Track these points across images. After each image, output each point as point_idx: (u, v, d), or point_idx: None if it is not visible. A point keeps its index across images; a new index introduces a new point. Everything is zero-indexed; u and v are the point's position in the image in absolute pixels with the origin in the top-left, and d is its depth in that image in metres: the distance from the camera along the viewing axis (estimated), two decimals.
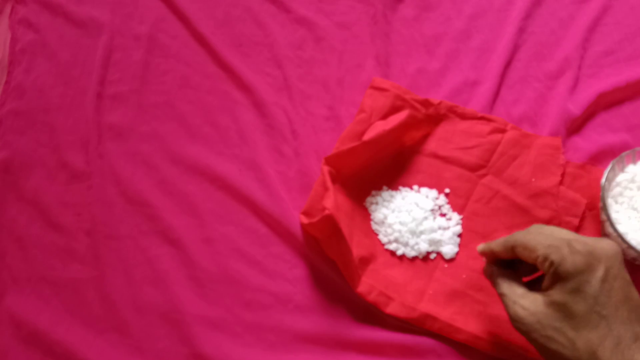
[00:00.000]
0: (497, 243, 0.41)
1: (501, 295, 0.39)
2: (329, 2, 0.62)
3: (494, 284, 0.40)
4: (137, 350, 0.47)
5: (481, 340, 0.45)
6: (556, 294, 0.35)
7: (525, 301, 0.37)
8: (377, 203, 0.51)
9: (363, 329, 0.47)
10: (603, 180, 0.47)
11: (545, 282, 0.36)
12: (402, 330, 0.46)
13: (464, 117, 0.54)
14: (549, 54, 0.57)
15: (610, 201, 0.48)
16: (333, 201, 0.46)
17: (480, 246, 0.43)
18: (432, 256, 0.49)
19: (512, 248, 0.39)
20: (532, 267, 0.41)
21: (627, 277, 0.35)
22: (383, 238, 0.50)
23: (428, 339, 0.46)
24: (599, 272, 0.34)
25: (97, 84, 0.58)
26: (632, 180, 0.48)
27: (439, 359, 0.45)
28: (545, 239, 0.37)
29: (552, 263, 0.35)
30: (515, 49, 0.58)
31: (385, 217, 0.50)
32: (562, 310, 0.35)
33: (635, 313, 0.34)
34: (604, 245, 0.36)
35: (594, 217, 0.49)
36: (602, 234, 0.48)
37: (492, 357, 0.45)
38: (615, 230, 0.45)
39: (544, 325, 0.35)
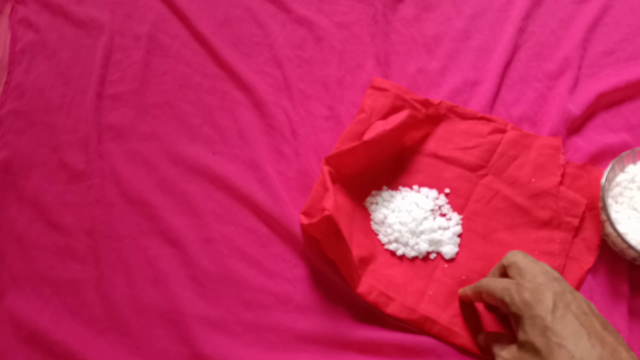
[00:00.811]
0: (469, 288, 0.44)
1: (494, 357, 0.41)
2: (329, 2, 0.62)
3: (490, 349, 0.42)
4: (137, 350, 0.47)
5: None
6: (521, 334, 0.37)
7: (504, 352, 0.39)
8: (377, 203, 0.51)
9: (363, 329, 0.47)
10: (603, 180, 0.47)
11: (513, 327, 0.39)
12: (402, 330, 0.46)
13: (464, 117, 0.54)
14: (549, 54, 0.57)
15: (610, 201, 0.48)
16: (333, 201, 0.46)
17: (460, 291, 0.46)
18: (432, 256, 0.49)
19: (480, 294, 0.42)
20: None
21: (586, 308, 0.37)
22: (383, 238, 0.50)
23: (428, 339, 0.46)
24: (548, 304, 0.36)
25: (97, 84, 0.58)
26: (632, 180, 0.48)
27: (439, 359, 0.45)
28: (501, 282, 0.40)
29: (506, 305, 0.38)
30: (515, 49, 0.58)
31: (385, 217, 0.50)
32: (530, 349, 0.36)
33: (596, 339, 0.35)
34: (554, 282, 0.38)
35: (593, 217, 0.49)
36: (602, 234, 0.48)
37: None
38: (615, 230, 0.45)
39: None
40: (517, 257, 0.41)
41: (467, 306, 0.47)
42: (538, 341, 0.35)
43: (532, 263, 0.40)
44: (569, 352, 0.34)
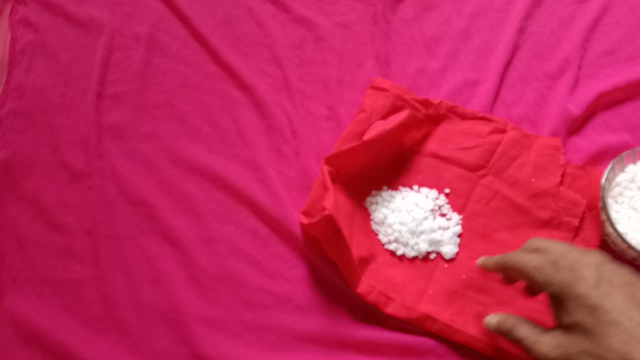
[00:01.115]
0: (492, 260, 0.42)
1: (520, 341, 0.37)
2: (329, 2, 0.62)
3: (509, 332, 0.38)
4: (137, 350, 0.47)
5: (480, 342, 0.45)
6: (565, 317, 0.34)
7: (545, 337, 0.35)
8: (377, 203, 0.51)
9: (363, 329, 0.47)
10: (603, 180, 0.47)
11: (552, 309, 0.36)
12: (402, 330, 0.46)
13: (464, 117, 0.54)
14: (549, 54, 0.57)
15: (610, 201, 0.48)
16: (333, 201, 0.46)
17: (480, 260, 0.44)
18: (432, 256, 0.49)
19: (505, 269, 0.40)
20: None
21: (630, 277, 0.34)
22: (383, 238, 0.50)
23: (428, 339, 0.46)
24: (589, 280, 0.34)
25: (97, 84, 0.58)
26: (632, 180, 0.48)
27: (439, 359, 0.45)
28: (531, 260, 0.37)
29: (540, 285, 0.35)
30: (515, 49, 0.58)
31: (385, 217, 0.50)
32: (579, 331, 0.33)
33: None
34: (588, 255, 0.35)
35: (593, 217, 0.49)
36: (602, 234, 0.48)
37: (491, 358, 0.45)
38: (615, 230, 0.45)
39: (572, 354, 0.33)
40: (537, 242, 0.38)
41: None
42: (587, 322, 0.33)
43: (557, 244, 0.37)
44: (625, 328, 0.31)
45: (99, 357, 0.47)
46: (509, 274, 0.40)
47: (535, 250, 0.38)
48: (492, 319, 0.41)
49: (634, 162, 0.49)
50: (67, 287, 0.50)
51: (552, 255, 0.36)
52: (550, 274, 0.35)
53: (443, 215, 0.51)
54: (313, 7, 0.61)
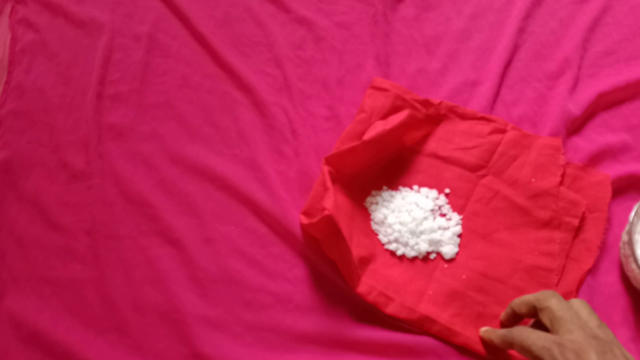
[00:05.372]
0: (497, 335, 0.43)
1: None
2: (329, 2, 0.62)
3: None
4: (137, 350, 0.47)
5: (479, 344, 0.45)
6: None
7: None
8: (377, 203, 0.51)
9: (363, 329, 0.47)
10: (632, 215, 0.46)
11: None
12: (402, 330, 0.46)
13: (464, 117, 0.54)
14: (549, 54, 0.57)
15: (637, 237, 0.46)
16: (333, 201, 0.46)
17: (484, 330, 0.45)
18: (432, 256, 0.49)
19: (510, 344, 0.40)
20: None
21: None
22: (383, 238, 0.50)
23: (428, 339, 0.46)
24: None
25: (97, 84, 0.58)
26: None
27: (439, 359, 0.45)
28: (537, 338, 0.38)
29: None
30: (515, 49, 0.58)
31: (385, 217, 0.50)
32: None
33: None
34: (593, 341, 0.37)
35: (594, 219, 0.49)
36: (624, 269, 0.47)
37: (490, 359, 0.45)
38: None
39: None
40: (551, 303, 0.39)
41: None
42: None
43: (568, 312, 0.38)
44: None
45: (99, 357, 0.47)
46: (515, 350, 0.41)
47: (541, 311, 0.39)
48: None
49: None
50: (67, 287, 0.50)
51: (558, 331, 0.38)
52: (557, 356, 0.36)
53: (443, 215, 0.51)
54: (313, 7, 0.61)
